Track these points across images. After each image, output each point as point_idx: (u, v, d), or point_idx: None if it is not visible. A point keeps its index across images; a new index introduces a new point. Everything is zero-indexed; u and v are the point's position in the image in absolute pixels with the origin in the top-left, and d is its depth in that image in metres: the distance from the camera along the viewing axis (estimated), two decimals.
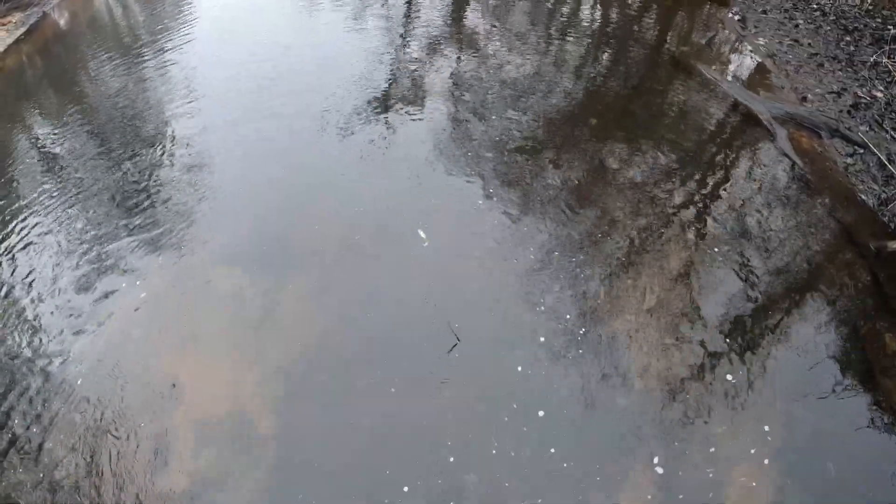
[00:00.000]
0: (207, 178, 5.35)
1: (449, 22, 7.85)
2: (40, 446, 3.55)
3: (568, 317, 4.16)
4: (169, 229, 4.86)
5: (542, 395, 3.73)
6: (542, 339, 4.02)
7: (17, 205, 5.19)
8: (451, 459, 3.46)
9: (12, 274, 4.56)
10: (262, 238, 4.77)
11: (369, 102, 6.23)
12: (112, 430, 3.62)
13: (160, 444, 3.55)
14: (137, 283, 4.44)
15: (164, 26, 7.99)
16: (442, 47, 7.26)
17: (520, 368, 3.87)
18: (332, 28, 7.69)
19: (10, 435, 3.61)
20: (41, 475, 3.43)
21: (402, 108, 6.17)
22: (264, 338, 4.08)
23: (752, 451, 3.50)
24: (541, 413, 3.65)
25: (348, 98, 6.27)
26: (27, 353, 4.03)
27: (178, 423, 3.65)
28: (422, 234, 4.57)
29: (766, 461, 3.46)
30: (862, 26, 7.07)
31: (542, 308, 4.21)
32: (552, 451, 3.49)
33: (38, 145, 5.96)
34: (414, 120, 6.00)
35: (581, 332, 4.08)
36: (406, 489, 3.35)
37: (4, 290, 4.44)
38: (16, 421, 3.68)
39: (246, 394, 3.78)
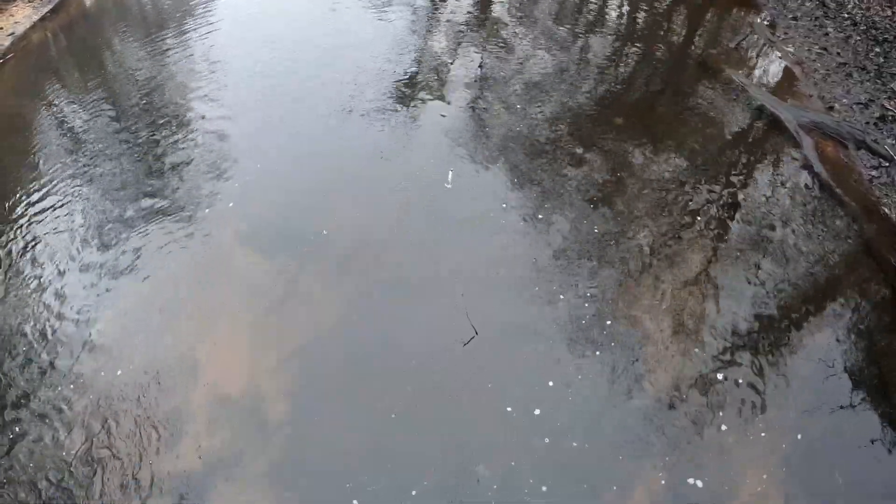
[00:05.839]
0: (227, 160, 5.37)
1: (474, 15, 7.81)
2: (57, 418, 3.61)
3: (581, 316, 4.16)
4: (188, 209, 4.90)
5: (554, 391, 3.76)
6: (554, 336, 4.04)
7: (38, 179, 5.24)
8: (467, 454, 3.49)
9: (26, 251, 4.61)
10: (280, 222, 4.80)
11: (391, 91, 6.22)
12: (125, 408, 3.68)
13: (174, 419, 3.61)
14: (153, 262, 4.49)
15: (187, 7, 7.99)
16: (466, 40, 7.23)
17: (533, 361, 3.89)
18: (355, 16, 7.66)
19: (24, 407, 3.68)
20: (57, 447, 3.50)
21: (424, 99, 6.16)
22: (280, 321, 4.12)
23: (762, 460, 3.50)
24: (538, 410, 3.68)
25: (370, 86, 6.26)
26: (49, 335, 4.09)
27: (194, 398, 3.71)
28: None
29: (774, 470, 3.47)
30: (892, 38, 6.96)
31: (556, 309, 4.22)
32: (559, 444, 3.52)
33: (61, 120, 6.01)
34: (436, 111, 5.99)
35: (590, 331, 4.08)
36: (418, 483, 3.39)
37: (20, 265, 4.50)
38: (32, 392, 3.74)
39: (261, 377, 3.83)
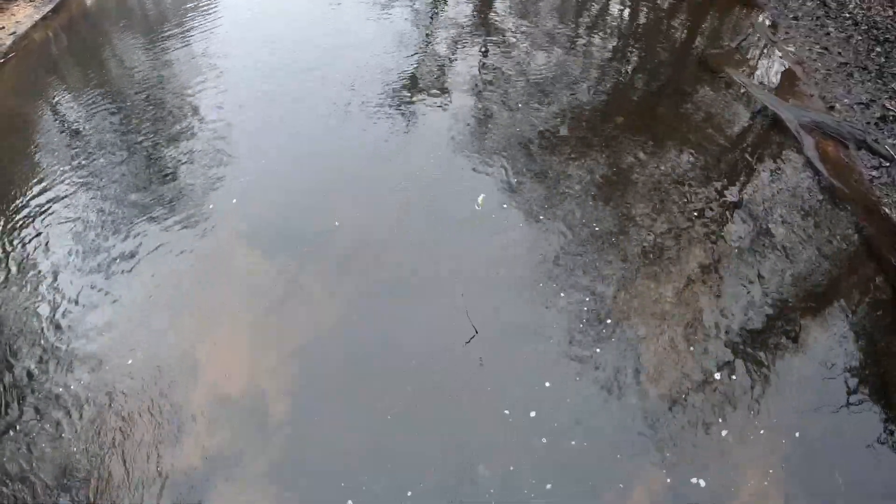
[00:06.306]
0: (227, 160, 5.38)
1: (475, 15, 7.81)
2: (54, 418, 3.62)
3: (581, 315, 4.16)
4: (187, 208, 4.91)
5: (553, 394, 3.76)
6: (554, 336, 4.05)
7: (40, 177, 5.25)
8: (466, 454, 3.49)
9: (30, 246, 4.62)
10: (280, 221, 4.80)
11: (392, 91, 6.23)
12: (123, 407, 3.68)
13: (174, 419, 3.62)
14: (153, 262, 4.50)
15: (187, 7, 8.00)
16: (466, 39, 7.22)
17: (534, 360, 3.89)
18: (355, 15, 7.66)
19: (24, 407, 3.68)
20: (54, 446, 3.50)
21: (424, 98, 6.16)
22: (280, 320, 4.13)
23: (762, 460, 3.50)
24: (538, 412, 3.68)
25: (370, 86, 6.26)
26: (47, 332, 4.10)
27: (194, 398, 3.71)
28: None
29: (774, 470, 3.46)
30: (893, 38, 6.95)
31: (556, 309, 4.22)
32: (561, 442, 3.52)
33: (62, 119, 6.02)
34: (437, 111, 5.99)
35: (590, 330, 4.08)
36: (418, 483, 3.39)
37: (21, 263, 4.51)
38: (34, 390, 3.75)
39: (261, 377, 3.83)
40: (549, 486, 3.35)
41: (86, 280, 4.37)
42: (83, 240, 4.67)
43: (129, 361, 3.88)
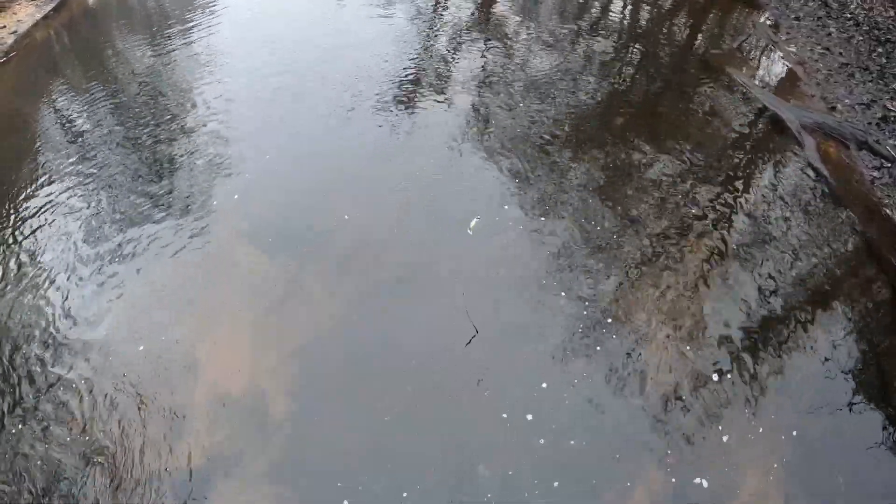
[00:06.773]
0: (227, 160, 5.37)
1: (476, 15, 7.81)
2: (52, 418, 3.61)
3: (581, 316, 4.16)
4: (187, 208, 4.90)
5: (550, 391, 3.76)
6: (554, 336, 4.04)
7: (41, 176, 5.25)
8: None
9: (31, 245, 4.62)
10: (280, 221, 4.80)
11: (392, 91, 6.22)
12: (122, 407, 3.68)
13: (173, 419, 3.62)
14: (156, 258, 4.50)
15: (188, 7, 8.00)
16: (467, 39, 7.23)
17: (534, 360, 3.89)
18: (356, 15, 7.66)
19: (24, 404, 3.68)
20: (52, 446, 3.50)
21: (425, 99, 6.16)
22: (280, 320, 4.13)
23: (762, 461, 3.50)
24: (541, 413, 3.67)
25: (370, 86, 6.26)
26: (48, 330, 4.10)
27: (194, 398, 3.71)
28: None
29: (775, 470, 3.46)
30: (894, 38, 6.94)
31: (557, 308, 4.21)
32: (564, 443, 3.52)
33: (63, 118, 6.02)
34: (437, 110, 5.99)
35: (591, 330, 4.08)
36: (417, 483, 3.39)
37: (22, 261, 4.51)
38: (34, 387, 3.75)
39: (261, 376, 3.83)
40: (550, 487, 3.35)
41: (85, 279, 4.36)
42: (83, 238, 4.66)
43: (131, 357, 3.88)
